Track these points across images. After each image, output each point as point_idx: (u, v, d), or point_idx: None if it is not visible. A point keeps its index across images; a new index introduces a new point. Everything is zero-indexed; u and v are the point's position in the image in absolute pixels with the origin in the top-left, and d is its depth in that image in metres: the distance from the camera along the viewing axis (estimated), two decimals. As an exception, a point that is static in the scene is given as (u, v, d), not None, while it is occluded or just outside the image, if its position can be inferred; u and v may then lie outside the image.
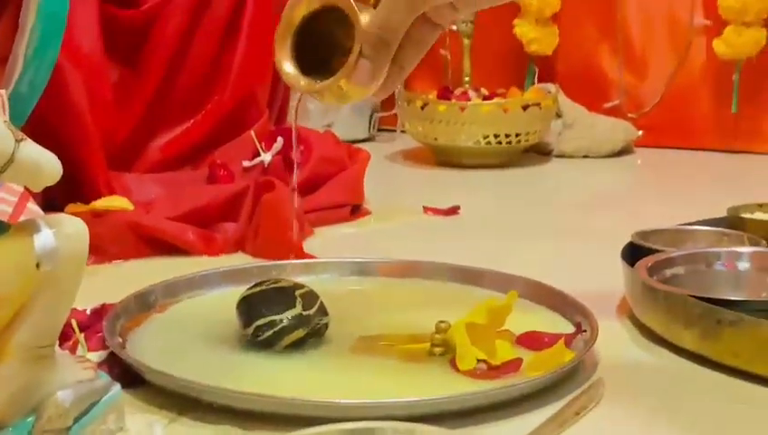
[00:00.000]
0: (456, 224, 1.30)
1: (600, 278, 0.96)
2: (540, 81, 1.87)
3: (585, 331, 0.81)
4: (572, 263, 1.11)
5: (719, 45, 1.75)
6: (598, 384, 0.73)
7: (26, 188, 0.59)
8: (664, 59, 1.86)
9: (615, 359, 0.80)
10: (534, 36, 1.87)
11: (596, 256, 1.09)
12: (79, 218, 0.61)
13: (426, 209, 1.34)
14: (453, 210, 1.33)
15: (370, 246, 1.16)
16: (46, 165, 0.57)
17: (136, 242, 1.09)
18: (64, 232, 0.59)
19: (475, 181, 1.61)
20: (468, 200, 1.38)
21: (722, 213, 1.08)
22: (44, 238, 0.58)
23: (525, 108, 1.66)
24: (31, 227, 0.58)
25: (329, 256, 1.04)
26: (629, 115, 1.85)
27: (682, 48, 1.83)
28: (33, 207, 0.60)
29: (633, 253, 0.95)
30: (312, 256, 1.06)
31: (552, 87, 1.75)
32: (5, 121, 0.55)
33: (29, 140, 0.57)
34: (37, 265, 0.57)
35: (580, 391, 0.73)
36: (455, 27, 1.85)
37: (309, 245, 1.13)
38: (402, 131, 1.83)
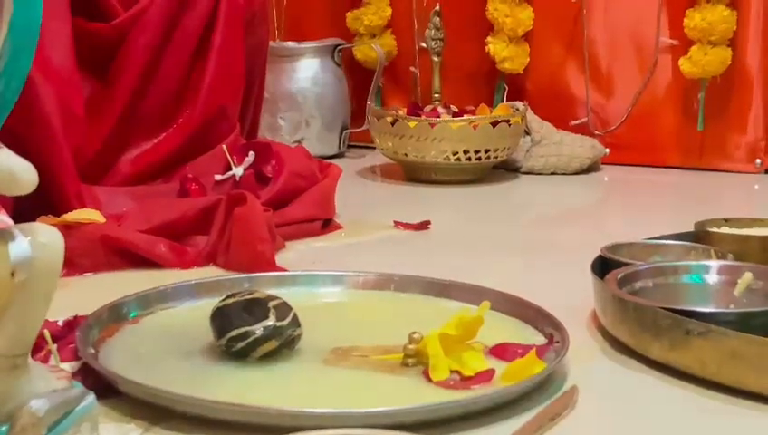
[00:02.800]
0: (426, 238, 1.31)
1: (571, 291, 0.97)
2: (509, 98, 1.89)
3: (557, 342, 0.81)
4: (543, 276, 1.12)
5: (685, 64, 1.77)
6: (572, 391, 0.74)
7: (-3, 199, 0.59)
8: (630, 78, 1.88)
9: (586, 370, 0.81)
10: (507, 54, 1.88)
11: (566, 269, 1.10)
12: (54, 228, 0.61)
13: (396, 224, 1.34)
14: (423, 225, 1.34)
15: (342, 260, 1.16)
16: (22, 173, 0.57)
17: (107, 255, 1.08)
18: (39, 241, 0.58)
19: (444, 197, 1.62)
20: (438, 215, 1.39)
21: (688, 228, 1.09)
22: (19, 247, 0.57)
23: (495, 125, 1.67)
24: (5, 236, 0.57)
25: (301, 270, 1.04)
26: (596, 132, 1.87)
27: (647, 67, 1.85)
28: (3, 218, 0.59)
29: (603, 266, 0.96)
30: (284, 269, 1.06)
31: (520, 104, 1.77)
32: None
33: (5, 149, 0.57)
34: (12, 275, 0.57)
35: (557, 397, 0.74)
36: (424, 45, 1.86)
37: (281, 258, 1.14)
38: (371, 147, 1.84)
